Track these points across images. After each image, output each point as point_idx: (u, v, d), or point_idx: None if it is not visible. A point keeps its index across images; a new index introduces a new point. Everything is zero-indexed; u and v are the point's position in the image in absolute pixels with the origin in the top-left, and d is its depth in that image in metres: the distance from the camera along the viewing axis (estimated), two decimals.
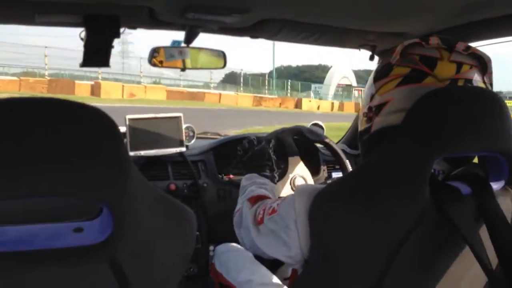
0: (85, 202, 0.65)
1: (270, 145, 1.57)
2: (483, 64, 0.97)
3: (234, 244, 1.91)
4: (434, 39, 0.96)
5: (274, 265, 1.76)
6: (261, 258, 1.77)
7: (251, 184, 1.36)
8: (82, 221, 0.73)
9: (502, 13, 1.30)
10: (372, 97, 1.02)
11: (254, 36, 1.67)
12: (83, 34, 1.46)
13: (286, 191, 1.74)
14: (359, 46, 1.85)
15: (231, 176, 2.21)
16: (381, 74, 1.01)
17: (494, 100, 0.89)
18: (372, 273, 0.86)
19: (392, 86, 0.97)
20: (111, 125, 0.64)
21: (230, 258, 1.85)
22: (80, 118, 0.61)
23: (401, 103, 0.93)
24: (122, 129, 1.91)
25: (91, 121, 0.62)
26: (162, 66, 1.72)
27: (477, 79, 0.95)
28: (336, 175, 2.27)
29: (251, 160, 1.51)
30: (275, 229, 1.01)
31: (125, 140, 1.91)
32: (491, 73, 0.98)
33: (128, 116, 1.97)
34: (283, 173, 1.73)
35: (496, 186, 0.93)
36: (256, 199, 1.21)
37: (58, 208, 0.91)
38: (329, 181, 2.06)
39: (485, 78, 0.97)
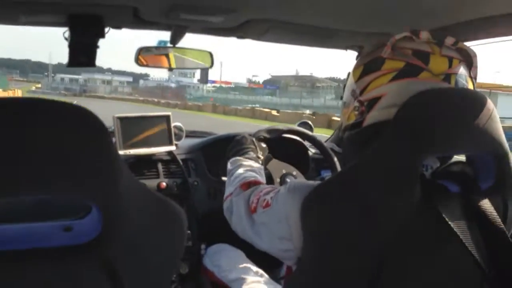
0: (74, 201, 0.65)
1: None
2: (469, 58, 0.97)
3: (227, 245, 1.92)
4: (425, 34, 0.95)
5: (267, 265, 1.76)
6: (253, 258, 1.78)
7: (238, 167, 1.34)
8: (71, 220, 0.73)
9: (490, 14, 1.29)
10: (362, 91, 1.00)
11: (241, 36, 1.66)
12: (67, 34, 1.45)
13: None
14: (346, 47, 1.84)
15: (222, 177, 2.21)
16: (371, 67, 0.99)
17: (478, 99, 0.89)
18: (365, 271, 0.86)
19: (386, 80, 0.95)
20: (99, 125, 0.64)
21: (222, 257, 1.85)
22: (69, 118, 0.61)
23: (396, 98, 0.92)
24: (110, 128, 1.91)
25: (80, 121, 0.62)
26: (148, 66, 1.72)
27: (465, 74, 0.96)
28: (325, 172, 2.27)
29: (233, 147, 1.50)
30: (268, 222, 1.01)
31: (113, 139, 1.91)
32: (476, 67, 0.98)
33: (116, 115, 1.96)
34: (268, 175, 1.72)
35: (484, 185, 0.93)
36: (248, 185, 1.19)
37: (47, 207, 0.91)
38: (317, 178, 2.06)
39: (471, 73, 0.98)
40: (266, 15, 1.46)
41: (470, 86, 0.97)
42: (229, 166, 1.39)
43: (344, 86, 1.11)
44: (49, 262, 0.65)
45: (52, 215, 0.77)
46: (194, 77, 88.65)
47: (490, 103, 0.90)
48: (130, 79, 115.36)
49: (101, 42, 1.48)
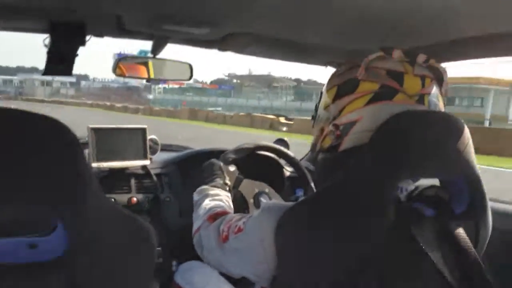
0: (39, 217, 0.63)
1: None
2: (439, 75, 0.98)
3: (199, 262, 1.87)
4: (397, 52, 0.96)
5: (240, 283, 1.73)
6: (227, 276, 1.75)
7: (204, 197, 1.33)
8: (36, 236, 0.70)
9: (470, 35, 1.32)
10: (336, 115, 0.99)
11: (222, 49, 1.67)
12: (47, 41, 1.42)
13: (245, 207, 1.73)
14: (326, 63, 1.87)
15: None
16: (345, 90, 0.98)
17: (458, 125, 0.91)
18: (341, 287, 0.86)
19: (361, 104, 0.95)
20: (70, 137, 0.62)
21: (195, 274, 1.81)
22: (37, 129, 0.59)
23: (372, 122, 0.91)
24: (84, 139, 1.87)
25: (49, 133, 0.60)
26: (126, 76, 1.70)
27: (437, 93, 0.97)
28: (300, 191, 2.26)
29: (199, 176, 1.50)
30: (241, 247, 0.99)
31: (86, 151, 1.86)
32: (446, 83, 0.99)
33: (91, 126, 1.92)
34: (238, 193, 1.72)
35: (458, 210, 0.94)
36: (215, 217, 1.17)
37: (10, 223, 0.88)
38: (292, 197, 2.05)
39: (442, 90, 0.99)
40: (248, 29, 1.48)
41: (441, 104, 0.98)
42: (195, 197, 1.38)
43: (316, 106, 1.10)
44: (12, 278, 0.62)
45: (15, 231, 0.74)
46: None
47: (467, 130, 0.91)
48: (74, 79, 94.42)
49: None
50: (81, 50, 1.45)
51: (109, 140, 1.98)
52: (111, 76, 79.89)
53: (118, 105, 42.83)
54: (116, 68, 1.66)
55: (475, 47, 1.41)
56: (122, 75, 1.69)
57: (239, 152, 1.69)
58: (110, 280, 0.70)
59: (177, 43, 1.62)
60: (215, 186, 1.40)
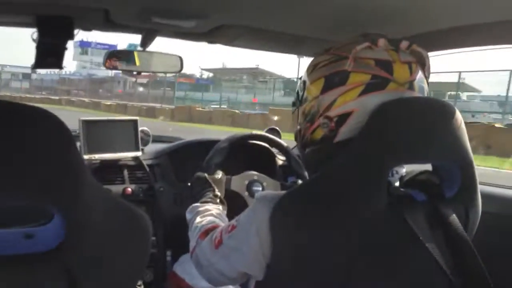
0: (36, 207, 0.63)
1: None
2: (422, 59, 0.99)
3: None
4: (381, 41, 0.95)
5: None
6: None
7: (195, 215, 1.33)
8: (33, 226, 0.71)
9: (461, 23, 1.33)
10: (328, 106, 0.97)
11: (211, 41, 1.67)
12: (35, 35, 1.42)
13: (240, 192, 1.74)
14: (315, 54, 1.87)
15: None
16: (335, 82, 0.97)
17: (448, 109, 0.91)
18: (332, 281, 0.87)
19: (355, 95, 0.94)
20: (62, 129, 0.62)
21: None
22: (30, 121, 0.60)
23: (367, 113, 0.90)
24: (75, 131, 1.87)
25: (42, 124, 0.61)
26: (117, 69, 1.71)
27: (422, 77, 0.98)
28: (292, 178, 2.28)
29: (191, 191, 1.53)
30: (236, 245, 0.99)
31: (78, 143, 1.87)
32: (429, 67, 1.00)
33: (82, 118, 1.93)
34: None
35: (448, 193, 0.95)
36: (206, 233, 1.17)
37: (6, 214, 0.89)
38: (285, 184, 2.07)
39: (425, 73, 1.00)
40: (237, 21, 1.47)
41: (426, 87, 0.99)
42: (187, 216, 1.38)
43: (298, 94, 1.09)
44: (8, 270, 0.63)
45: (11, 221, 0.75)
46: None
47: (458, 114, 0.92)
48: (28, 70, 63.21)
49: None
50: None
51: (100, 132, 1.99)
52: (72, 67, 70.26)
53: (107, 102, 31.56)
54: (106, 62, 1.66)
55: (456, 37, 1.41)
56: (112, 68, 1.70)
57: (218, 156, 1.70)
58: (104, 269, 0.71)
59: (166, 36, 1.61)
60: (205, 202, 1.41)
